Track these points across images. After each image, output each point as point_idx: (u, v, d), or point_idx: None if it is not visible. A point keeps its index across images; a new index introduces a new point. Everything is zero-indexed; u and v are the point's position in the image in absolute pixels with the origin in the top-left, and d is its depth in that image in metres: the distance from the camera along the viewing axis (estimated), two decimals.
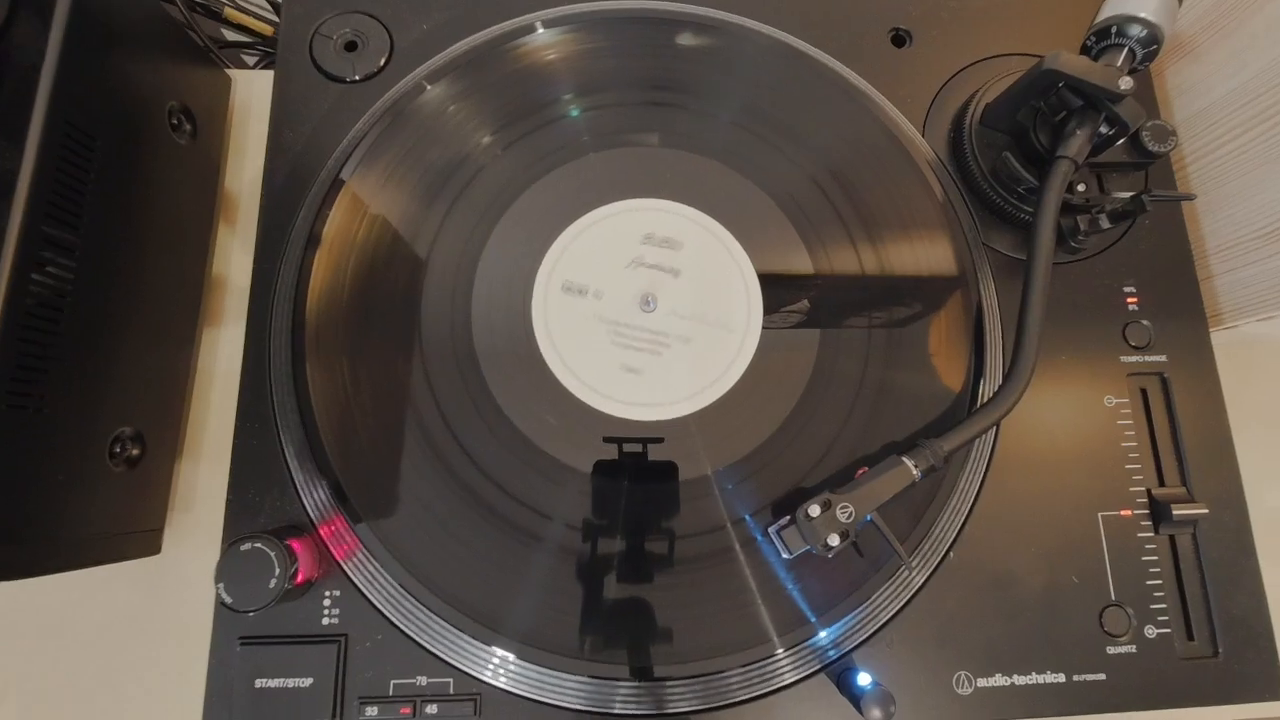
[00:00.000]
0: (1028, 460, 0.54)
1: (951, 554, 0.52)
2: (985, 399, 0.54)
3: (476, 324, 0.52)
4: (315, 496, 0.50)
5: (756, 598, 0.50)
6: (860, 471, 0.50)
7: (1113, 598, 0.52)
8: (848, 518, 0.47)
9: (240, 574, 0.45)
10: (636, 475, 0.51)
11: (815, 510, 0.47)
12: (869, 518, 0.47)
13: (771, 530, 0.49)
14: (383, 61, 0.57)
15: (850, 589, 0.50)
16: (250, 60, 0.75)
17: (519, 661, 0.48)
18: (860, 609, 0.51)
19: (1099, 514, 0.54)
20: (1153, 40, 0.53)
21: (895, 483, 0.48)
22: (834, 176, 0.56)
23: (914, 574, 0.51)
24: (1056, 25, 0.61)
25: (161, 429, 0.53)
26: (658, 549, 0.50)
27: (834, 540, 0.46)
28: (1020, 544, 0.53)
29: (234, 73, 0.62)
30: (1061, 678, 0.51)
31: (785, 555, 0.48)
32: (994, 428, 0.53)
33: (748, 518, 0.51)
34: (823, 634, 0.50)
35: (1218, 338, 0.57)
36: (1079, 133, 0.52)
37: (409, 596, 0.49)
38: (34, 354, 0.42)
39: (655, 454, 0.52)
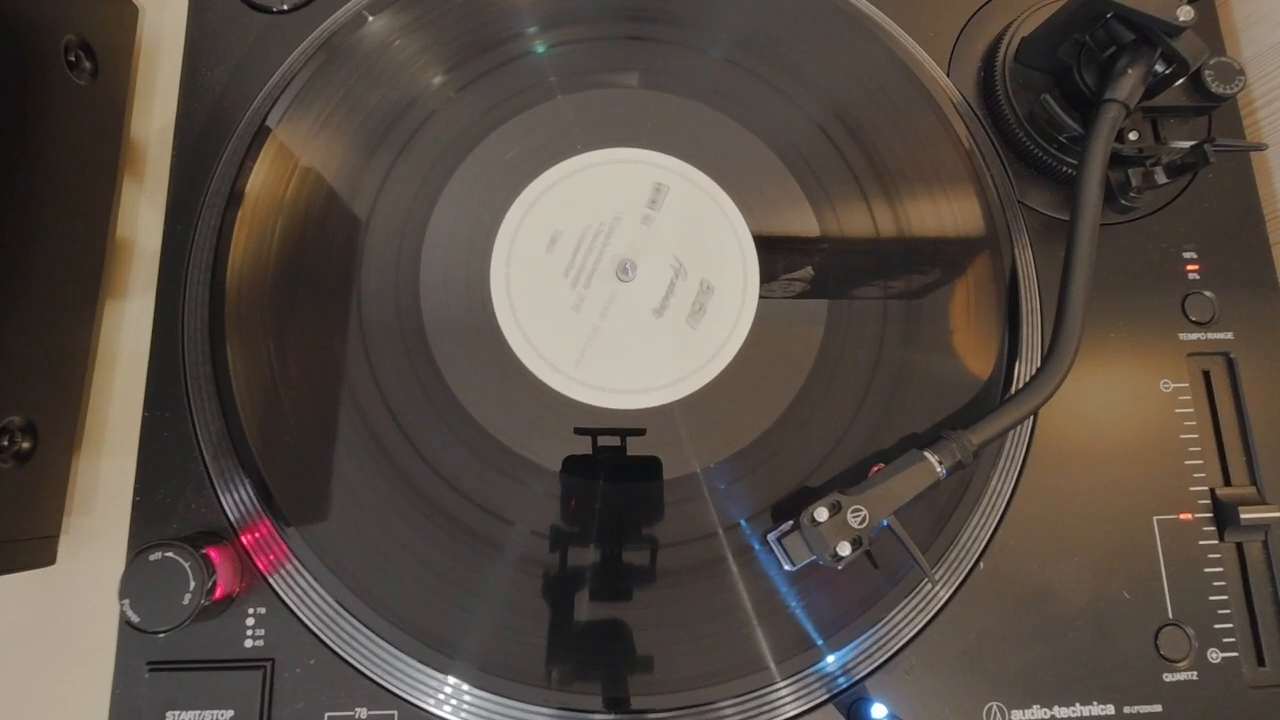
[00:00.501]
0: (1070, 455, 0.53)
1: (981, 565, 0.51)
2: (1021, 384, 0.52)
3: (426, 296, 0.51)
4: (237, 497, 0.49)
5: (753, 617, 0.48)
6: (875, 469, 0.48)
7: (1170, 616, 0.51)
8: (860, 523, 0.45)
9: (149, 588, 0.44)
10: (613, 473, 0.49)
11: (822, 514, 0.45)
12: (885, 523, 0.45)
13: (771, 538, 0.47)
14: None
15: (863, 606, 0.49)
16: None
17: (475, 691, 0.47)
18: (874, 629, 0.49)
19: (1154, 518, 0.52)
20: None
21: (916, 482, 0.46)
22: (843, 123, 0.55)
23: (938, 588, 0.50)
24: None
25: (56, 419, 0.51)
26: (638, 560, 0.49)
27: (844, 549, 0.45)
28: (1062, 553, 0.51)
29: (142, 0, 0.60)
30: (1110, 710, 0.49)
31: (787, 567, 0.46)
32: (1031, 417, 0.51)
33: (743, 523, 0.49)
34: (830, 659, 0.48)
35: None
36: (1131, 72, 0.50)
37: (346, 615, 0.47)
38: None
39: (635, 448, 0.50)
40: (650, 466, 0.50)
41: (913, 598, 0.50)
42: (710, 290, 0.52)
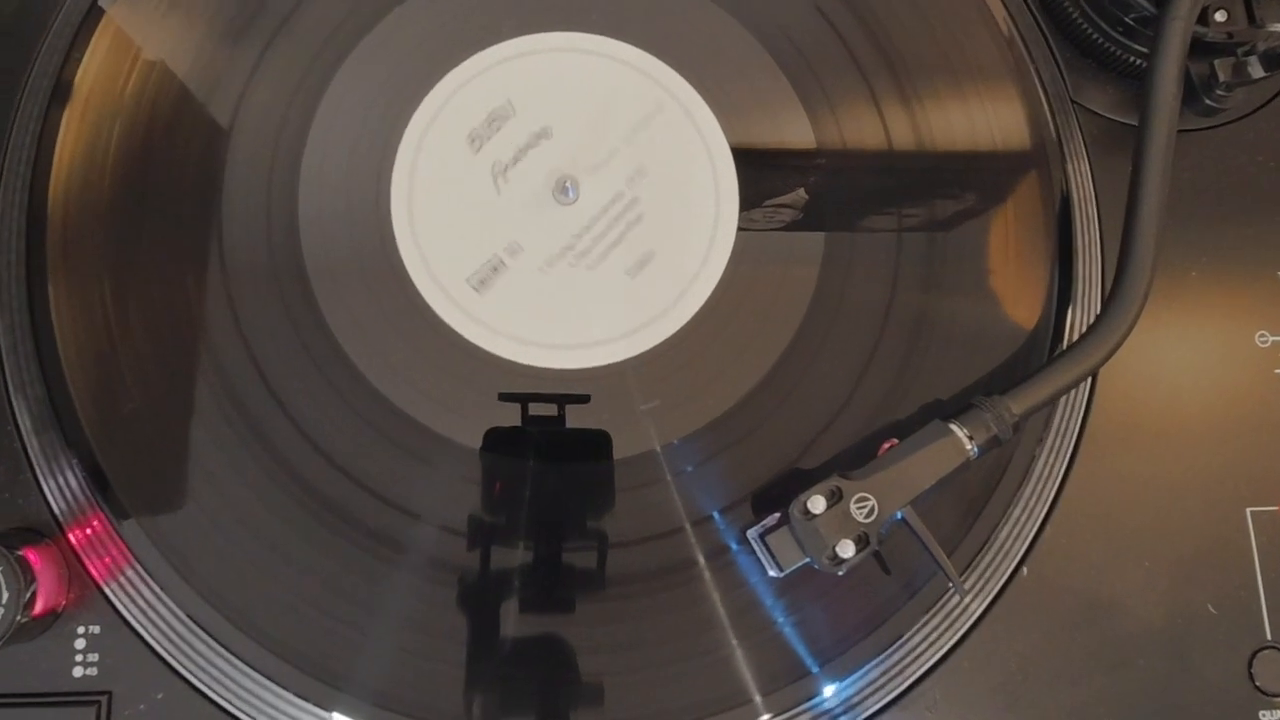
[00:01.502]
0: (1139, 430, 0.53)
1: (1024, 570, 0.51)
2: (1074, 336, 0.52)
3: (308, 225, 0.51)
4: (62, 483, 0.49)
5: (730, 636, 0.48)
6: (886, 446, 0.47)
7: (1269, 637, 0.51)
8: (867, 515, 0.45)
9: None
10: (549, 451, 0.50)
11: (818, 504, 0.45)
12: (899, 515, 0.45)
13: (752, 535, 0.46)
14: None
15: (871, 624, 0.48)
16: None
17: None
18: (886, 654, 0.49)
19: (1248, 510, 0.52)
20: None
21: (939, 462, 0.46)
22: (847, 2, 0.54)
23: (967, 600, 0.49)
24: None
25: None
26: (581, 563, 0.48)
27: (846, 550, 0.44)
28: (1128, 556, 0.51)
29: None
30: None
31: (773, 573, 0.45)
32: (1088, 380, 0.51)
33: (716, 516, 0.49)
34: (829, 690, 0.48)
35: None
36: None
37: (204, 635, 0.47)
38: None
39: (577, 419, 0.50)
40: (596, 443, 0.50)
41: (935, 613, 0.49)
42: (674, 218, 0.52)
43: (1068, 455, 0.53)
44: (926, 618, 0.49)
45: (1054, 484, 0.52)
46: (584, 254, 0.52)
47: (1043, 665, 0.51)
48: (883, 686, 0.49)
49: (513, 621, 0.48)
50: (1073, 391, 0.52)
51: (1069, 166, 0.55)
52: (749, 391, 0.51)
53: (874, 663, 0.49)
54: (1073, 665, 0.51)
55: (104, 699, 0.47)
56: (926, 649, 0.50)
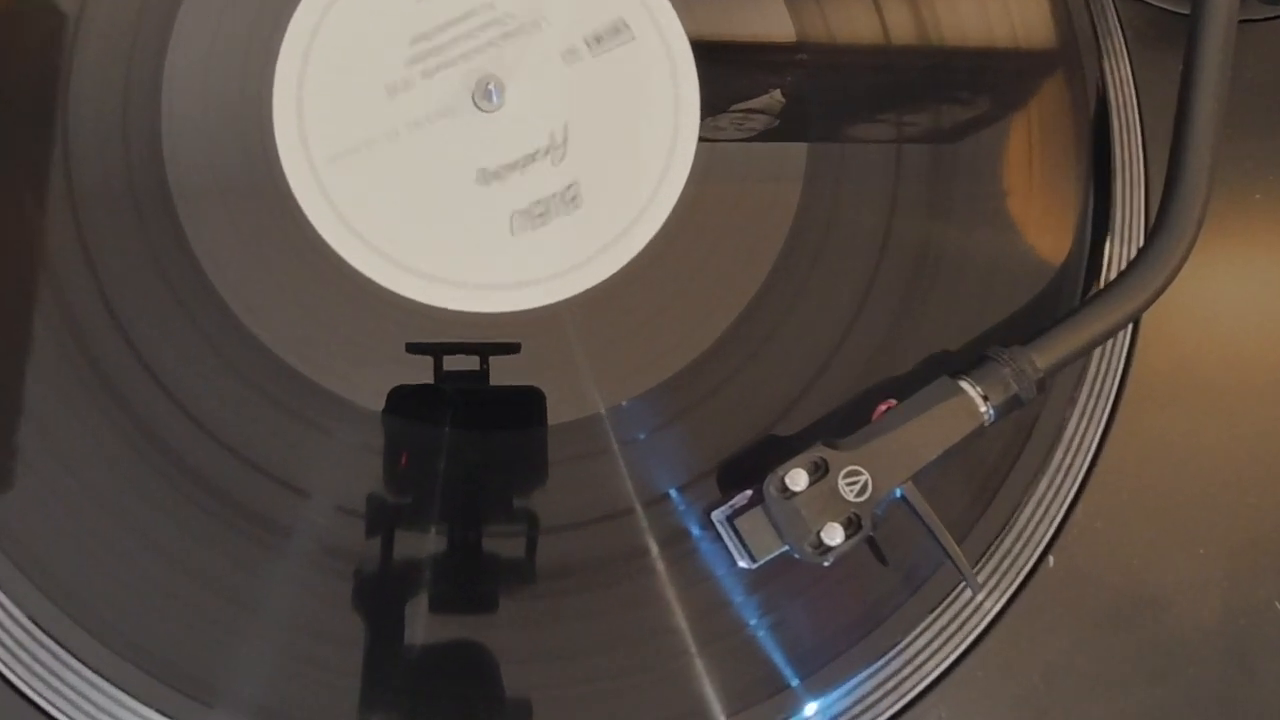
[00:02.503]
0: (1189, 388, 0.51)
1: (1050, 560, 0.49)
2: (1113, 273, 0.50)
3: (172, 135, 0.49)
4: None
5: (690, 642, 0.46)
6: (882, 408, 0.45)
7: None
8: (859, 493, 0.43)
9: None
10: (468, 415, 0.48)
11: (799, 479, 0.43)
12: (898, 493, 0.43)
13: (718, 517, 0.45)
14: None
15: (863, 626, 0.47)
16: None
17: None
18: (881, 662, 0.47)
19: None
20: None
21: (947, 428, 0.44)
22: None
23: (980, 597, 0.47)
24: None
25: None
26: (507, 551, 0.47)
27: (833, 535, 0.42)
28: (1176, 541, 0.49)
29: None
30: None
31: (743, 564, 0.44)
32: (1128, 328, 0.50)
33: (674, 494, 0.47)
34: (811, 709, 0.46)
35: None
36: None
37: (45, 640, 0.45)
38: None
39: (503, 375, 0.48)
40: (526, 404, 0.48)
41: (941, 613, 0.48)
42: (621, 126, 0.51)
43: (1104, 420, 0.51)
44: (931, 619, 0.48)
45: (1087, 455, 0.50)
46: (512, 171, 0.50)
47: (1073, 675, 0.49)
48: (877, 703, 0.47)
49: (422, 623, 0.46)
50: (1110, 341, 0.50)
51: (1105, 64, 0.54)
52: (715, 341, 0.49)
53: (867, 673, 0.47)
54: (1109, 675, 0.49)
55: None
56: (931, 657, 0.48)
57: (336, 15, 0.51)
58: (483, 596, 0.47)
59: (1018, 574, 0.49)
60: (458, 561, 0.47)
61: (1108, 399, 0.51)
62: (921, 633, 0.48)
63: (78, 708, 0.45)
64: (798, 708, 0.46)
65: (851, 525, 0.43)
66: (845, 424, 0.46)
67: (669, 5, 0.52)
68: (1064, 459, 0.50)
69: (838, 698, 0.47)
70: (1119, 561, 0.50)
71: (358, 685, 0.45)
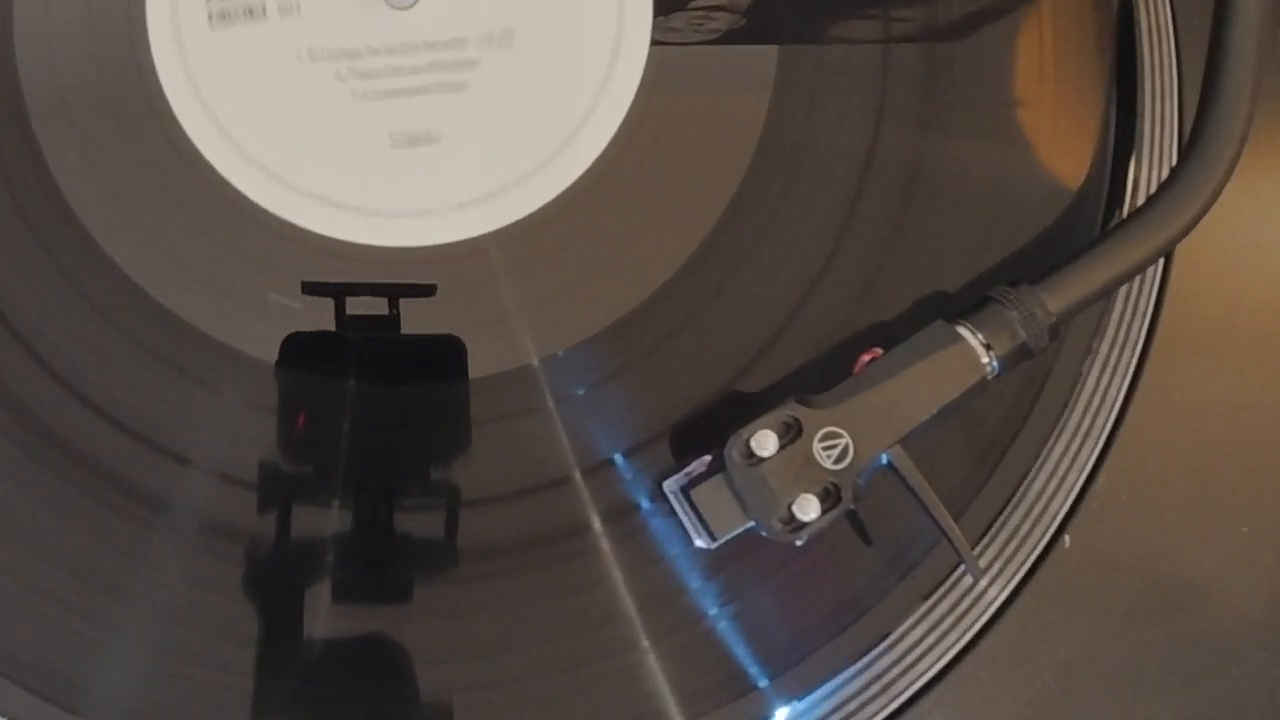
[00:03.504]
0: (1230, 337, 0.49)
1: (1066, 539, 0.47)
2: (1138, 202, 0.49)
3: (25, 37, 0.48)
4: None
5: (639, 633, 0.44)
6: (866, 358, 0.43)
7: None
8: (838, 459, 0.42)
9: None
10: (377, 368, 0.47)
11: (767, 441, 0.41)
12: (884, 459, 0.42)
13: (672, 488, 0.43)
14: None
15: (844, 617, 0.46)
16: None
17: None
18: (867, 661, 0.46)
19: None
20: None
21: (943, 382, 0.43)
22: None
23: (982, 583, 0.46)
24: None
25: None
26: (423, 530, 0.45)
27: (808, 509, 0.41)
28: (1214, 518, 0.48)
29: None
30: None
31: (701, 542, 0.42)
32: (1157, 265, 0.48)
33: (619, 460, 0.46)
34: (782, 714, 0.45)
35: None
36: None
37: None
38: None
39: (416, 320, 0.47)
40: (445, 355, 0.47)
41: (936, 603, 0.46)
42: (559, 28, 0.49)
43: (1129, 373, 0.48)
44: (924, 609, 0.46)
45: (1109, 415, 0.48)
46: (428, 79, 0.48)
47: (1093, 675, 0.46)
48: (861, 708, 0.45)
49: (323, 615, 0.44)
50: (1136, 281, 0.48)
51: None
52: (668, 280, 0.47)
53: (848, 674, 0.45)
54: (1137, 675, 0.47)
55: None
56: (925, 654, 0.46)
57: None
58: (395, 583, 0.45)
59: (1027, 556, 0.47)
60: (366, 541, 0.45)
61: (1134, 349, 0.49)
62: (913, 626, 0.46)
63: None
64: (767, 712, 0.45)
65: (829, 497, 0.41)
66: (822, 378, 0.44)
67: None
68: (1081, 420, 0.48)
69: (814, 702, 0.45)
70: (1148, 541, 0.48)
71: (249, 689, 0.44)
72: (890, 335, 0.44)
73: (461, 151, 0.48)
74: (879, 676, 0.46)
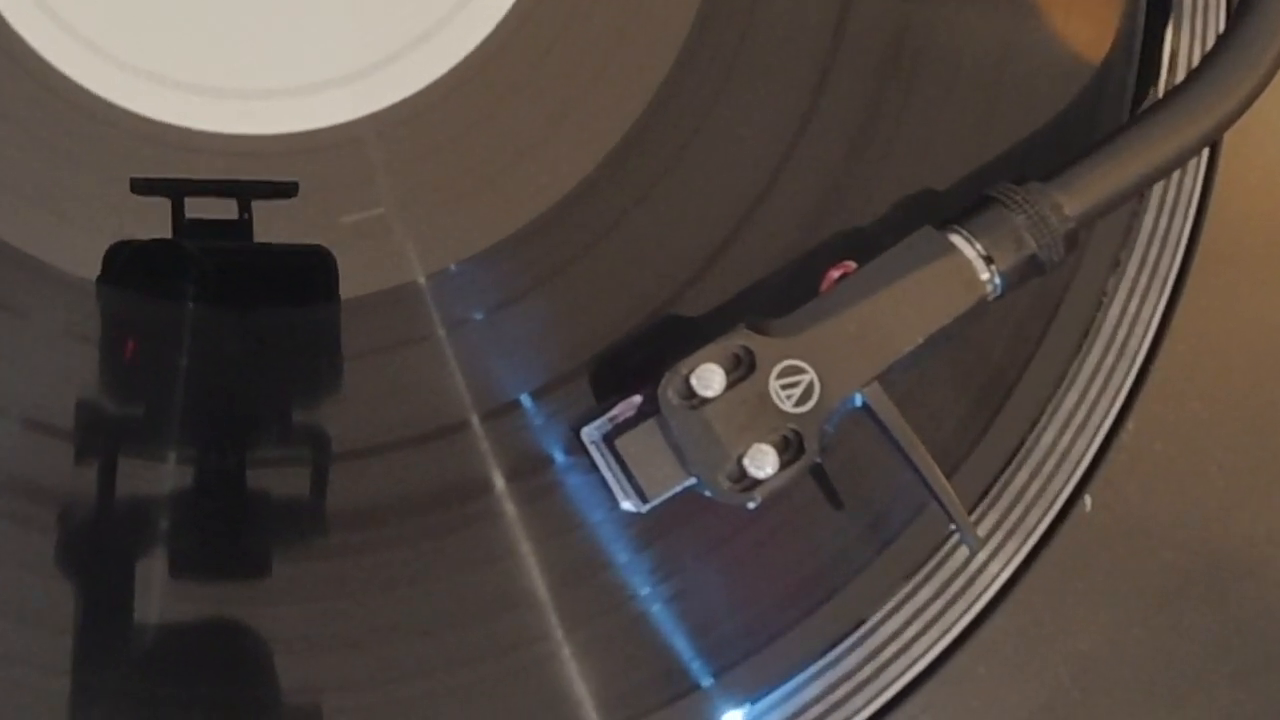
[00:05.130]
0: None
1: (1086, 500, 0.45)
2: (1175, 79, 0.47)
3: None
4: None
5: (552, 620, 0.43)
6: (836, 274, 0.42)
7: None
8: (800, 400, 0.40)
9: None
10: (224, 287, 0.44)
11: (711, 379, 0.40)
12: (858, 400, 0.40)
13: (592, 436, 0.41)
14: None
15: (808, 600, 0.44)
16: None
17: None
18: (836, 653, 0.43)
19: None
20: None
21: (931, 304, 0.41)
22: None
23: (981, 557, 0.44)
24: None
25: None
26: (283, 489, 0.43)
27: (762, 462, 0.39)
28: (1269, 472, 0.46)
29: None
30: None
31: (629, 505, 0.41)
32: (1200, 157, 0.47)
33: (526, 402, 0.44)
34: (735, 718, 0.43)
35: None
36: None
37: None
38: None
39: (273, 227, 0.44)
40: (308, 271, 0.45)
41: (924, 581, 0.44)
42: None
43: (1163, 294, 0.46)
44: (908, 590, 0.44)
45: (1139, 347, 0.46)
46: None
47: (1117, 671, 0.44)
48: (828, 713, 0.43)
49: (158, 594, 0.42)
50: (1173, 178, 0.46)
51: None
52: (587, 177, 0.45)
53: (813, 670, 0.43)
54: (1171, 671, 0.44)
55: None
56: (909, 646, 0.44)
57: None
58: (247, 555, 0.43)
59: (1036, 523, 0.44)
60: (210, 503, 0.43)
61: (1170, 264, 0.46)
62: (894, 611, 0.43)
63: None
64: (711, 718, 0.43)
65: (789, 448, 0.39)
66: (780, 298, 0.42)
67: None
68: (1105, 353, 0.45)
69: (770, 705, 0.43)
70: (1187, 504, 0.45)
71: (64, 688, 0.41)
72: (865, 245, 0.42)
73: (329, 17, 0.45)
74: (851, 674, 0.43)
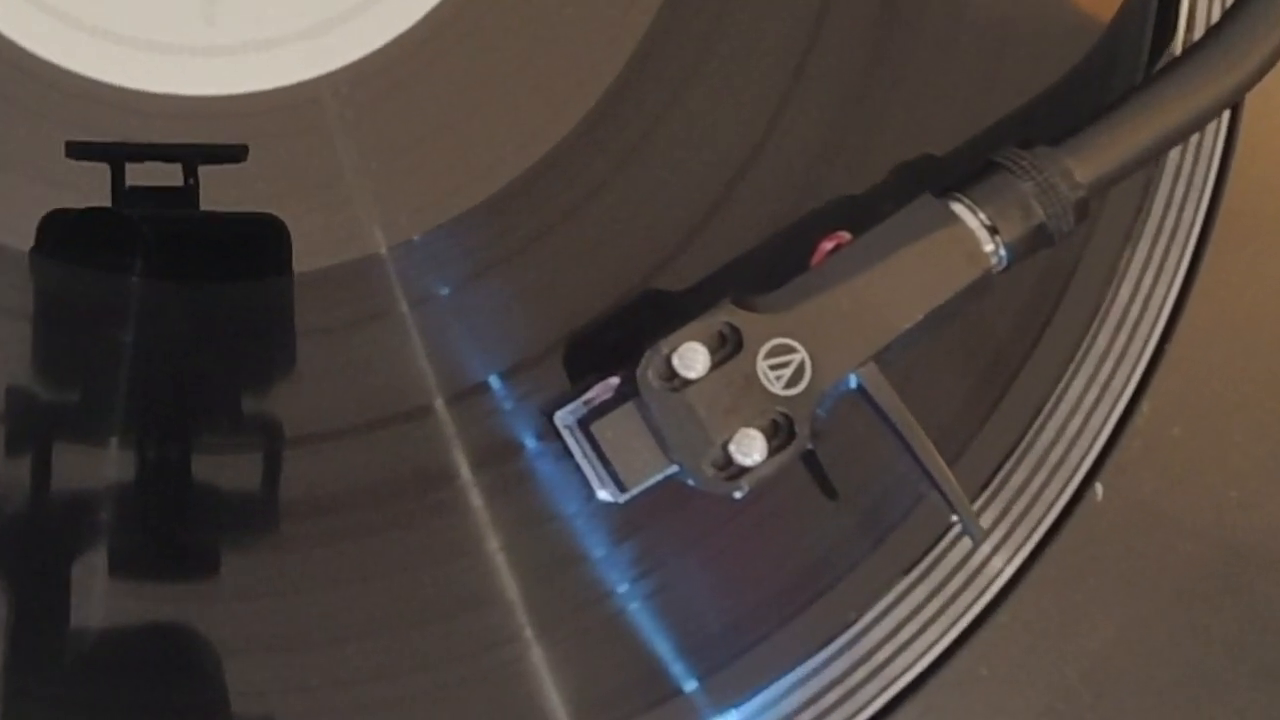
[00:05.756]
0: None
1: (1097, 489, 0.44)
2: (1195, 33, 0.46)
3: None
4: None
5: (523, 618, 0.41)
6: (829, 245, 0.41)
7: None
8: (790, 381, 0.39)
9: None
10: (169, 259, 0.43)
11: (694, 359, 0.39)
12: (853, 381, 0.39)
13: (566, 420, 0.40)
14: None
15: (798, 597, 0.42)
16: None
17: None
18: (829, 655, 0.42)
19: None
20: None
21: (931, 277, 0.40)
22: None
23: (984, 550, 0.43)
24: None
25: None
26: (232, 480, 0.42)
27: (749, 448, 0.38)
28: None
29: None
30: None
31: (605, 494, 0.39)
32: (1222, 117, 0.46)
33: (495, 383, 0.43)
34: None
35: None
36: None
37: None
38: None
39: (222, 194, 0.43)
40: (259, 241, 0.43)
41: (923, 576, 0.44)
42: None
43: (1181, 267, 0.45)
44: (905, 586, 0.43)
45: (1155, 324, 0.45)
46: None
47: (1131, 672, 0.43)
48: (825, 712, 0.42)
49: (98, 594, 0.41)
50: (1191, 142, 0.45)
51: None
52: (561, 141, 0.44)
53: (803, 672, 0.42)
54: (1191, 671, 0.43)
55: None
56: (906, 646, 0.43)
57: None
58: (194, 551, 0.42)
59: (1044, 514, 0.43)
60: (154, 495, 0.41)
61: (1187, 235, 0.45)
62: (890, 608, 0.43)
63: None
64: None
65: (778, 433, 0.38)
66: (768, 272, 0.41)
67: None
68: (1117, 331, 0.45)
69: (757, 710, 0.42)
70: (1207, 491, 0.44)
71: None
72: (861, 214, 0.41)
73: None
74: (844, 676, 0.42)
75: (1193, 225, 0.45)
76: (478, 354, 0.42)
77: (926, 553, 0.42)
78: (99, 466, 0.41)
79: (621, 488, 0.38)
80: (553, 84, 0.44)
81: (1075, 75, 0.45)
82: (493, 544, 0.41)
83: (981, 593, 0.42)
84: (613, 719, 0.41)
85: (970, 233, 0.38)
